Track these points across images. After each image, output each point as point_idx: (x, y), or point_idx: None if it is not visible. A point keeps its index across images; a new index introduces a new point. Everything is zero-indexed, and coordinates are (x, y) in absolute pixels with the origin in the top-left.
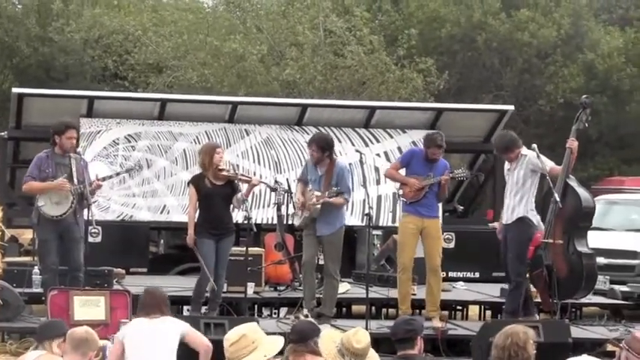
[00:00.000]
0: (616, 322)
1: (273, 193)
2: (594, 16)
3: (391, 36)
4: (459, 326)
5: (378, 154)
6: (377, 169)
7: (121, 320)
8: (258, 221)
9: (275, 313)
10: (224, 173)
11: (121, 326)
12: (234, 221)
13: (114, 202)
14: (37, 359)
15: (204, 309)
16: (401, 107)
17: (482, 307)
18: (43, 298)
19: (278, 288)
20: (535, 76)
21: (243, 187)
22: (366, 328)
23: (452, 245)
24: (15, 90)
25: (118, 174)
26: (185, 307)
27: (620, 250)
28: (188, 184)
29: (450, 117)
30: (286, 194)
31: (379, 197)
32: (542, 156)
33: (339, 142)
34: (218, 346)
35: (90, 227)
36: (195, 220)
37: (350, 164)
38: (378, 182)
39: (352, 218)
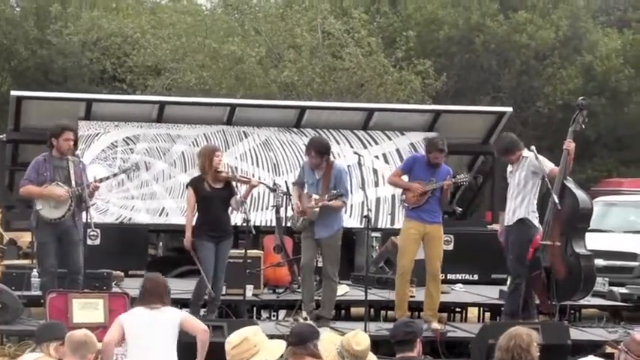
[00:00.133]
0: (615, 323)
1: (271, 196)
2: (592, 18)
3: (389, 38)
4: (458, 328)
5: (376, 157)
6: (375, 172)
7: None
8: (257, 224)
9: (274, 316)
10: (223, 175)
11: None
12: (233, 224)
13: (112, 204)
14: None
15: (203, 311)
16: (399, 109)
17: (482, 309)
18: (42, 300)
19: (277, 290)
20: (533, 77)
21: (242, 189)
22: (365, 331)
23: (450, 247)
24: (13, 93)
25: (115, 175)
26: (184, 310)
27: (619, 251)
28: (186, 186)
29: (449, 119)
30: (285, 197)
31: (378, 199)
32: (542, 157)
33: (338, 144)
34: (218, 348)
35: (88, 230)
36: (194, 223)
37: (348, 166)
38: (376, 184)
39: (351, 220)
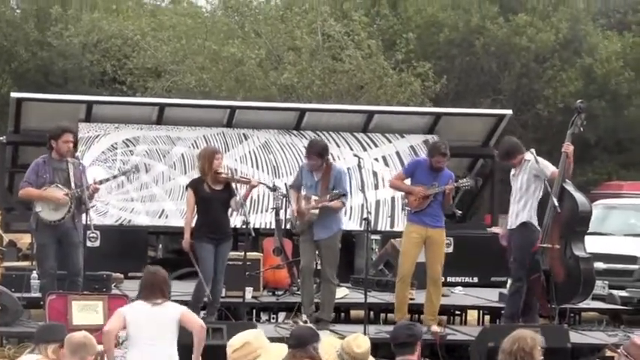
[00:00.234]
0: (615, 327)
1: (271, 198)
2: (592, 21)
3: (389, 40)
4: (457, 331)
5: (376, 159)
6: (375, 174)
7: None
8: (257, 226)
9: (273, 318)
10: (222, 176)
11: (125, 305)
12: (233, 226)
13: (112, 206)
14: None
15: (202, 314)
16: (399, 112)
17: (481, 312)
18: (42, 302)
19: (276, 293)
20: (533, 80)
21: (242, 190)
22: (365, 333)
23: (450, 250)
24: (13, 94)
25: (115, 177)
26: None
27: (619, 255)
28: (186, 187)
29: (449, 121)
30: (284, 199)
31: (377, 202)
32: (542, 160)
33: (337, 146)
34: (216, 351)
35: (88, 232)
36: (193, 225)
37: (348, 169)
38: (376, 187)
39: (351, 223)
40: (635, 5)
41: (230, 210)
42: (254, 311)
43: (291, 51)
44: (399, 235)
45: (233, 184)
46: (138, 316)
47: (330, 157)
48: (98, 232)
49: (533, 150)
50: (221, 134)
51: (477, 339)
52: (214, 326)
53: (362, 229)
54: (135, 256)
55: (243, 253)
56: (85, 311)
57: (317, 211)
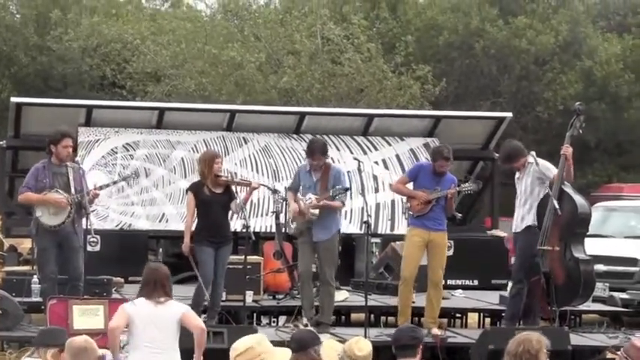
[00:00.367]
0: (615, 329)
1: (271, 202)
2: (592, 23)
3: (389, 43)
4: (458, 334)
5: (376, 162)
6: (375, 177)
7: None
8: (257, 229)
9: (274, 322)
10: (222, 179)
11: (129, 302)
12: (233, 230)
13: (112, 210)
14: None
15: (203, 317)
16: (399, 115)
17: (482, 314)
18: (42, 307)
19: (277, 296)
20: (533, 82)
21: (242, 193)
22: (365, 336)
23: (450, 253)
24: (13, 99)
25: (115, 182)
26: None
27: (620, 257)
28: (186, 191)
29: (448, 124)
30: (284, 202)
31: (377, 205)
32: (543, 161)
33: (337, 150)
34: (217, 354)
35: (89, 236)
36: (194, 228)
37: (348, 172)
38: (376, 190)
39: (351, 226)
40: (634, 7)
41: (230, 213)
42: (254, 315)
43: (291, 55)
44: (399, 238)
45: (233, 187)
46: (141, 314)
47: (329, 159)
48: (98, 237)
49: (533, 152)
50: (221, 138)
51: (477, 342)
52: (215, 330)
53: (362, 232)
54: (135, 260)
55: (243, 257)
56: (86, 316)
57: (317, 211)
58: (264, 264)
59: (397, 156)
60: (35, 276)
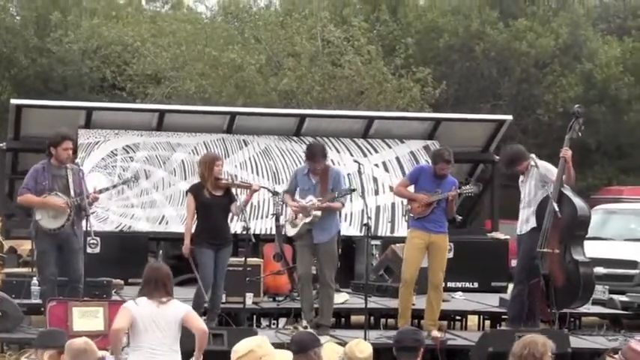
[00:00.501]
0: (615, 332)
1: (271, 204)
2: (592, 26)
3: (389, 46)
4: (458, 336)
5: (376, 165)
6: (375, 180)
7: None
8: (257, 232)
9: (274, 324)
10: (223, 182)
11: (130, 301)
12: (233, 232)
13: (112, 212)
14: None
15: (203, 319)
16: (399, 117)
17: (482, 317)
18: (42, 309)
19: (277, 298)
20: (533, 85)
21: (242, 196)
22: (365, 339)
23: (450, 255)
24: (13, 101)
25: (115, 186)
26: None
27: (619, 259)
28: (186, 193)
29: (449, 127)
30: (284, 205)
31: (378, 207)
32: (544, 163)
33: (338, 152)
34: (217, 356)
35: (88, 238)
36: (193, 230)
37: (348, 174)
38: (376, 192)
39: (351, 228)
40: (634, 10)
41: (231, 215)
42: (254, 317)
43: (291, 57)
44: (399, 240)
45: (234, 190)
46: (143, 315)
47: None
48: (98, 239)
49: (533, 155)
50: (221, 140)
51: (477, 344)
52: (215, 332)
53: (362, 234)
54: (135, 262)
55: (243, 259)
56: (86, 317)
57: (319, 212)
58: (264, 266)
59: (397, 158)
60: (35, 278)
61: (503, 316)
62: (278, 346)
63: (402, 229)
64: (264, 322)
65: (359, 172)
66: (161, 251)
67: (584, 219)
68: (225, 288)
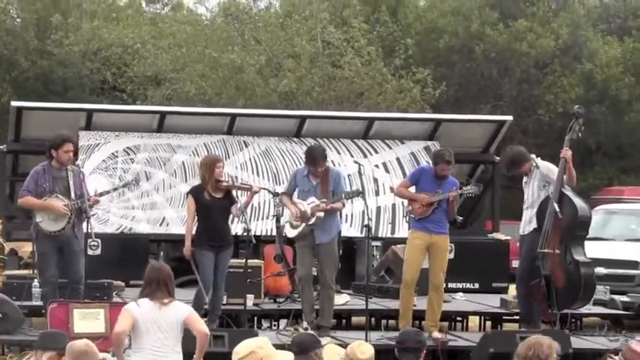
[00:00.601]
0: (616, 332)
1: (272, 205)
2: (592, 26)
3: (389, 47)
4: (459, 337)
5: (376, 166)
6: (376, 181)
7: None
8: (258, 233)
9: (274, 325)
10: (223, 184)
11: (132, 303)
12: (234, 233)
13: (113, 214)
14: None
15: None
16: (399, 118)
17: (483, 317)
18: (43, 311)
19: (277, 300)
20: (534, 86)
21: (243, 197)
22: (366, 340)
23: (451, 256)
24: (14, 103)
25: (115, 189)
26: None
27: (620, 260)
28: (187, 194)
29: (449, 128)
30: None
31: (378, 208)
32: (544, 163)
33: (338, 153)
34: (218, 358)
35: (89, 240)
36: (194, 232)
37: (349, 175)
38: (377, 193)
39: (351, 229)
40: (634, 11)
41: (231, 217)
42: (255, 318)
43: (291, 58)
44: (400, 241)
45: (234, 191)
46: (145, 317)
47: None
48: (99, 241)
49: (533, 156)
50: (221, 142)
51: (478, 345)
52: (216, 333)
53: (363, 235)
54: (136, 264)
55: (244, 261)
56: (87, 319)
57: (322, 213)
58: (265, 267)
59: (398, 159)
60: (36, 280)
61: (504, 317)
62: (279, 347)
63: (402, 230)
64: (265, 324)
65: (359, 173)
66: (162, 253)
67: (584, 219)
68: (226, 289)
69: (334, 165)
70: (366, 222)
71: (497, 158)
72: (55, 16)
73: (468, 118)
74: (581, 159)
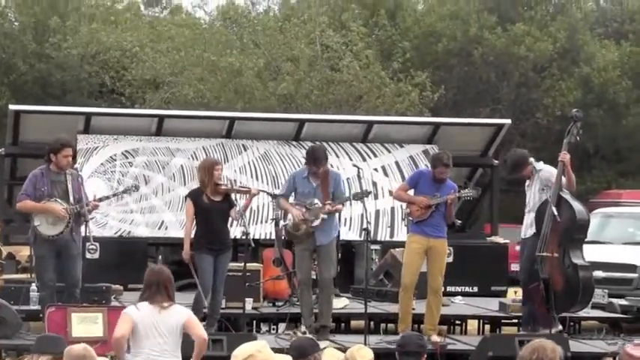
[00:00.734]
0: (615, 335)
1: (271, 209)
2: (590, 30)
3: (388, 50)
4: (457, 341)
5: (375, 169)
6: (375, 184)
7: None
8: (257, 237)
9: (273, 329)
10: (222, 187)
11: (131, 306)
12: (232, 237)
13: (112, 218)
14: None
15: (202, 325)
16: (398, 122)
17: (481, 321)
18: (41, 315)
19: (276, 303)
20: (532, 89)
21: (241, 201)
22: (365, 343)
23: (450, 259)
24: (12, 107)
25: (115, 195)
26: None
27: (618, 263)
28: (185, 198)
29: (448, 131)
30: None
31: (377, 212)
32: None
33: (337, 157)
34: None
35: (88, 244)
36: (193, 236)
37: (348, 179)
38: (376, 197)
39: (350, 233)
40: (631, 14)
41: (230, 220)
42: (254, 322)
43: (290, 61)
44: (398, 245)
45: (233, 195)
46: (145, 321)
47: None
48: (97, 244)
49: (532, 159)
50: (220, 145)
51: (477, 348)
52: (214, 337)
53: (362, 239)
54: (134, 267)
55: (243, 264)
56: (85, 323)
57: (326, 216)
58: (264, 271)
59: (396, 163)
60: (33, 284)
61: (503, 321)
62: (278, 351)
63: (401, 234)
64: (264, 328)
65: (358, 176)
66: (160, 256)
67: (583, 223)
68: (225, 293)
69: (332, 167)
70: (364, 225)
71: (496, 162)
72: (54, 19)
73: (467, 122)
74: (579, 162)
